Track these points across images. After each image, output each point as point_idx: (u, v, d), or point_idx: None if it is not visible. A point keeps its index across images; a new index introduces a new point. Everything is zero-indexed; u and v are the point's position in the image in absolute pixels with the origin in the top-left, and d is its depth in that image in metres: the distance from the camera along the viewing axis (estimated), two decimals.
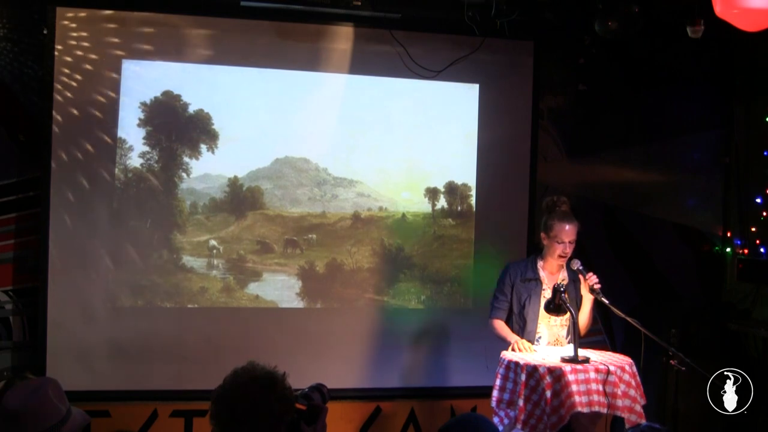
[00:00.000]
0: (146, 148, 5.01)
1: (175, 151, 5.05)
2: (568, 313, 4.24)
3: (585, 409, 3.92)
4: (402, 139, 5.32)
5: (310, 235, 5.29)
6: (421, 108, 5.35)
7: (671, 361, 4.12)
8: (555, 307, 4.21)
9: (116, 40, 4.94)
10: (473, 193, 5.44)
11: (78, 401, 2.76)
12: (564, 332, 4.43)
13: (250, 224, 5.22)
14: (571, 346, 4.15)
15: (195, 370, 4.97)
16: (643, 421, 3.83)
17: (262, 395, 2.15)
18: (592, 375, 3.93)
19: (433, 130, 5.36)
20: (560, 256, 4.29)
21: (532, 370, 3.97)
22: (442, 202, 5.41)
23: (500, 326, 4.43)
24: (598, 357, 4.21)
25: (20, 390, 2.52)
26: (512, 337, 4.33)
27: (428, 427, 5.31)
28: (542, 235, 4.39)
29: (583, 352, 4.12)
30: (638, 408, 3.96)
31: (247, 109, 5.17)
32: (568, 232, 4.26)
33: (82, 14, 4.90)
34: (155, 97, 5.01)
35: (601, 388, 3.91)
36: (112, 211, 4.96)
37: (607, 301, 4.19)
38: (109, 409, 4.88)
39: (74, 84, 4.88)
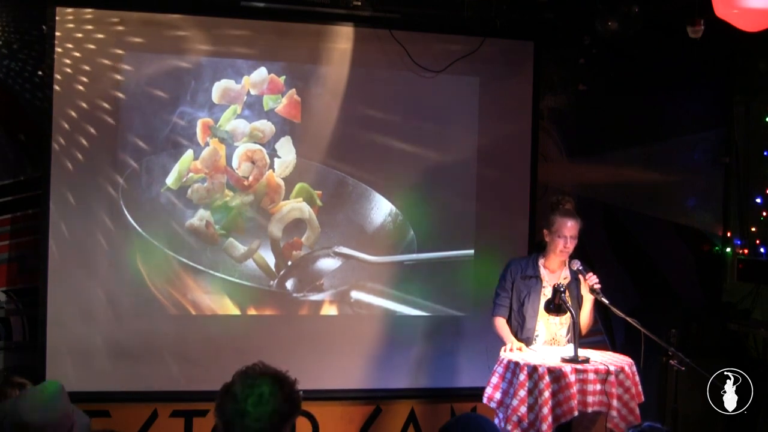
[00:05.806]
0: (147, 148, 5.00)
1: (177, 151, 5.04)
2: (568, 313, 4.25)
3: (585, 409, 3.93)
4: (401, 139, 5.31)
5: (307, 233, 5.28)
6: (421, 108, 5.33)
7: (671, 361, 4.13)
8: (555, 307, 4.22)
9: (116, 39, 4.93)
10: (473, 193, 5.43)
11: (78, 401, 2.77)
12: (563, 331, 4.43)
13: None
14: (571, 345, 4.16)
15: (195, 370, 4.96)
16: (632, 424, 3.84)
17: (271, 392, 2.19)
18: (592, 375, 3.93)
19: (433, 130, 5.35)
20: (561, 251, 4.32)
21: (532, 370, 3.98)
22: (441, 202, 5.39)
23: (501, 325, 4.44)
24: (598, 357, 4.21)
25: (32, 400, 2.48)
26: (509, 339, 4.34)
27: (428, 427, 5.31)
28: (545, 231, 4.42)
29: (583, 352, 4.13)
30: (624, 411, 3.99)
31: None
32: (569, 227, 4.29)
33: (82, 13, 4.89)
34: (155, 97, 5.00)
35: (600, 388, 3.92)
36: (112, 211, 4.95)
37: (606, 301, 4.20)
38: (109, 409, 4.88)
39: (74, 83, 4.87)
